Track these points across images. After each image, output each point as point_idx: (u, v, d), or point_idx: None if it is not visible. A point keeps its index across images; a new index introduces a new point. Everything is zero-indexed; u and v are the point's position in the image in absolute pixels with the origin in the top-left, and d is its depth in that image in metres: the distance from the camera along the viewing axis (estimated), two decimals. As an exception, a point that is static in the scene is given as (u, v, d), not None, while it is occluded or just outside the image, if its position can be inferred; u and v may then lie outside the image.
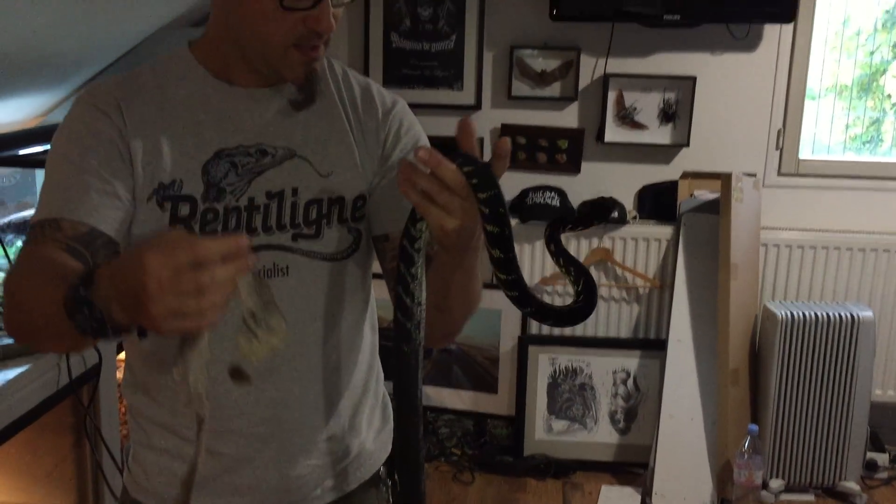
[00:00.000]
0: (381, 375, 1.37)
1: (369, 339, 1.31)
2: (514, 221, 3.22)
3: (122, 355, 2.29)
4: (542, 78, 3.17)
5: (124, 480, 1.32)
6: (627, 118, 3.15)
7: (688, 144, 3.12)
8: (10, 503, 1.96)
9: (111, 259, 1.05)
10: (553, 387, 3.21)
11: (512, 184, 3.26)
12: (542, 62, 3.17)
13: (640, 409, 3.19)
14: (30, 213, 2.27)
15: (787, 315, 2.91)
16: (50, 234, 1.03)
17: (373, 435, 1.31)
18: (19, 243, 2.12)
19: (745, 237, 2.97)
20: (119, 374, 2.27)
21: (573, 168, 3.24)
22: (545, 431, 3.22)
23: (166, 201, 1.11)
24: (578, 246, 3.20)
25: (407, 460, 1.06)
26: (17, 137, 2.05)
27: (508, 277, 0.97)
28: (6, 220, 2.17)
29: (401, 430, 1.07)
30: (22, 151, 2.01)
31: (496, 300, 3.22)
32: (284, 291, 1.14)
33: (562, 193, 3.20)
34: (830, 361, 2.93)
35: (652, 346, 3.18)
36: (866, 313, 2.92)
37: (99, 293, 0.82)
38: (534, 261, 3.25)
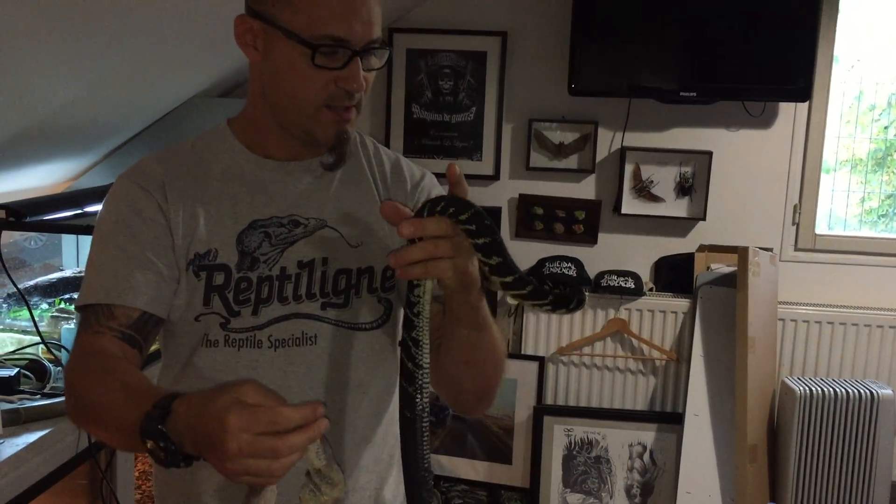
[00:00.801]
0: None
1: (392, 413, 1.31)
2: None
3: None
4: (560, 150, 3.23)
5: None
6: (644, 191, 3.18)
7: (704, 218, 3.15)
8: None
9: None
10: (568, 459, 3.18)
11: (529, 253, 3.29)
12: (559, 135, 3.22)
13: (656, 483, 3.14)
14: (55, 275, 2.31)
15: (805, 391, 2.89)
16: (105, 323, 1.09)
17: None
18: (45, 305, 2.15)
19: (763, 311, 2.97)
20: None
21: (590, 239, 3.26)
22: (560, 504, 3.17)
23: (202, 270, 1.14)
24: (595, 316, 3.21)
25: None
26: (46, 202, 2.10)
27: (512, 278, 0.97)
28: (33, 282, 2.21)
29: (408, 501, 1.06)
30: (50, 216, 2.06)
31: (511, 369, 3.22)
32: (311, 360, 1.16)
33: (578, 264, 3.22)
34: (850, 439, 2.90)
35: (669, 419, 3.15)
36: (886, 391, 2.90)
37: (175, 428, 0.87)
38: (549, 331, 3.25)
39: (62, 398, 1.81)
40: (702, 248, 3.20)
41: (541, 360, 3.23)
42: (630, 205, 3.19)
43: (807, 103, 3.07)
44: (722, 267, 3.12)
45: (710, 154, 3.12)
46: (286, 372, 1.16)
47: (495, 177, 3.26)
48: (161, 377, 1.25)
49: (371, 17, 1.09)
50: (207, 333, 1.16)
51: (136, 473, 2.28)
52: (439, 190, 1.27)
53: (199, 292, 1.15)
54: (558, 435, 3.19)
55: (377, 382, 1.23)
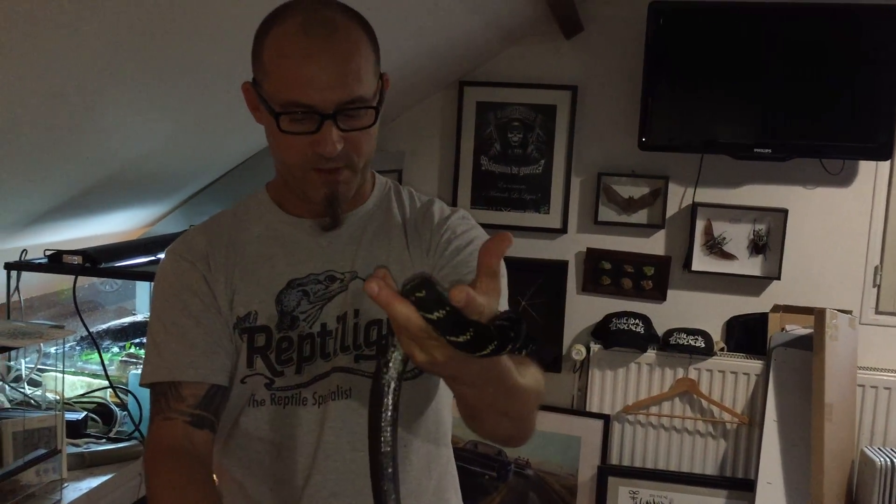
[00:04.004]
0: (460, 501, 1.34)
1: (444, 463, 1.29)
2: (596, 347, 3.17)
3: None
4: (630, 204, 3.19)
5: None
6: (716, 248, 3.11)
7: (779, 277, 3.05)
8: None
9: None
10: (633, 522, 3.08)
11: (595, 308, 3.24)
12: (629, 189, 3.19)
13: (725, 553, 3.01)
14: (127, 319, 2.37)
15: (886, 462, 2.74)
16: (175, 406, 1.12)
17: None
18: (115, 349, 2.20)
19: (841, 376, 2.84)
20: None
21: (659, 295, 3.19)
22: (623, 570, 3.06)
23: (244, 333, 1.16)
24: (663, 375, 3.13)
25: None
26: (121, 249, 2.16)
27: (462, 339, 0.74)
28: (105, 326, 2.26)
29: None
30: (124, 263, 2.12)
31: (576, 426, 3.16)
32: (346, 413, 1.16)
33: (646, 321, 3.15)
34: (936, 516, 2.73)
35: (739, 486, 3.03)
36: (975, 465, 2.73)
37: None
38: (615, 388, 3.18)
39: (127, 443, 1.84)
40: (776, 309, 3.10)
41: (606, 419, 3.15)
42: (701, 262, 3.12)
43: (888, 161, 2.97)
44: (797, 329, 3.01)
45: (785, 211, 3.04)
46: (323, 427, 1.15)
47: (563, 230, 3.23)
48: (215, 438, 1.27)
49: (341, 79, 1.03)
50: (254, 394, 1.17)
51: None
52: (470, 224, 1.24)
53: (243, 354, 1.16)
54: (623, 497, 3.09)
55: (420, 435, 1.21)
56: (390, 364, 0.83)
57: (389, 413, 0.84)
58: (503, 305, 1.16)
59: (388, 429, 0.85)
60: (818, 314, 2.82)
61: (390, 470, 0.85)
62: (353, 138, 1.08)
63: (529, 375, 0.96)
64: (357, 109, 1.06)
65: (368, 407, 0.85)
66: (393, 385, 0.84)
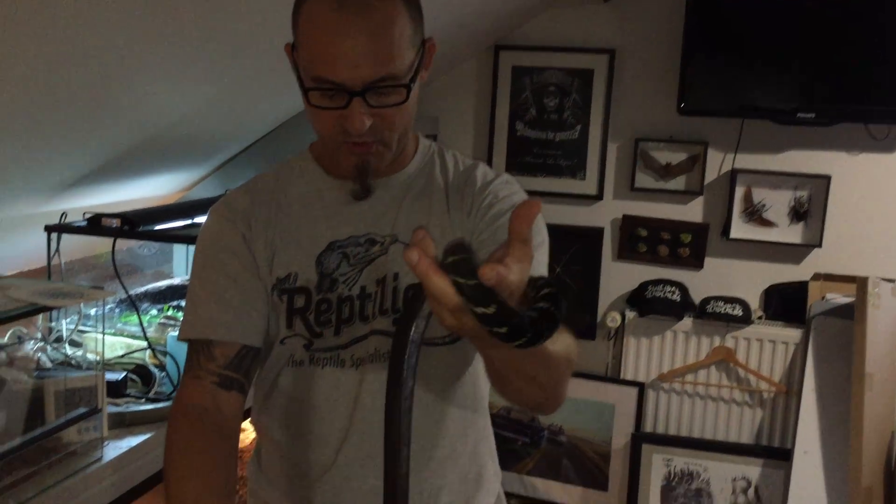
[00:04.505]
0: (499, 472, 1.34)
1: (480, 429, 1.29)
2: (631, 315, 3.15)
3: (244, 423, 2.34)
4: (667, 171, 3.14)
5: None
6: (755, 215, 3.06)
7: (820, 245, 3.00)
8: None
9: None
10: (667, 489, 3.07)
11: (631, 276, 3.21)
12: (667, 155, 3.13)
13: (760, 521, 3.00)
14: (165, 283, 2.39)
15: (928, 433, 2.70)
16: (204, 365, 1.13)
17: None
18: (154, 312, 2.22)
19: (883, 346, 2.79)
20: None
21: (696, 263, 3.15)
22: (656, 537, 3.06)
23: (283, 294, 1.16)
24: (699, 343, 3.10)
25: None
26: (159, 213, 2.18)
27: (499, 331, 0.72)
28: (143, 289, 2.29)
29: None
30: (162, 226, 2.13)
31: (610, 394, 3.15)
32: (384, 376, 1.15)
33: (683, 288, 3.12)
34: (978, 488, 2.69)
35: (776, 454, 3.00)
36: None
37: None
38: (650, 356, 3.16)
39: (165, 403, 1.87)
40: (817, 277, 3.05)
41: (640, 386, 3.14)
42: (740, 229, 3.07)
43: (937, 126, 2.89)
44: (838, 297, 2.95)
45: (828, 178, 2.97)
46: (361, 389, 1.16)
47: (598, 197, 3.20)
48: (254, 397, 1.28)
49: (371, 56, 1.01)
50: (293, 354, 1.18)
51: (234, 479, 2.32)
52: (513, 189, 1.22)
53: (282, 316, 1.17)
54: (657, 464, 3.08)
55: (456, 401, 1.21)
56: (415, 324, 0.81)
57: (409, 374, 0.83)
58: (543, 270, 1.15)
59: (408, 384, 0.84)
60: (860, 282, 2.77)
61: (406, 431, 0.85)
62: (384, 114, 1.06)
63: (561, 342, 0.94)
64: (386, 87, 1.04)
65: (388, 365, 0.84)
66: (415, 345, 0.82)
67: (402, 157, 1.20)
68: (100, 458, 1.62)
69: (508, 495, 3.18)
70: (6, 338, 1.83)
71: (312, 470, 1.19)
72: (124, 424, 1.76)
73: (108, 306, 2.20)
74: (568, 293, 3.23)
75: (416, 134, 1.26)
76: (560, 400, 1.02)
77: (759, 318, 3.09)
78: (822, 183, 2.98)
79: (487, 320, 0.71)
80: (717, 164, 3.11)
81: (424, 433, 1.18)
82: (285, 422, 1.22)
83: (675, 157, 3.12)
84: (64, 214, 2.06)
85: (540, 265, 1.14)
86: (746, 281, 3.14)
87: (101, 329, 1.95)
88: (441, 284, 0.71)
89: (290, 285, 1.17)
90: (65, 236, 2.05)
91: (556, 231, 1.22)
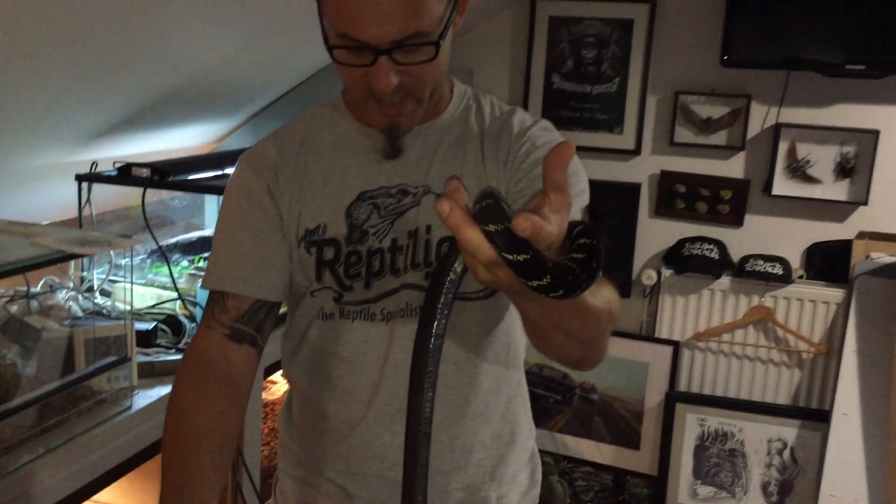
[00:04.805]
0: (533, 430, 1.32)
1: (514, 385, 1.26)
2: (667, 272, 3.09)
3: (276, 376, 2.35)
4: (708, 125, 3.05)
5: (269, 505, 1.34)
6: (799, 171, 2.96)
7: (866, 202, 2.89)
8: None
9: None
10: (700, 449, 3.03)
11: (668, 233, 3.14)
12: (708, 109, 3.04)
13: (796, 483, 2.95)
14: (195, 234, 2.39)
15: (973, 397, 2.62)
16: (217, 315, 1.12)
17: (517, 495, 1.25)
18: (185, 263, 2.22)
19: (928, 307, 2.71)
20: (264, 395, 2.33)
21: (736, 220, 3.07)
22: (689, 496, 3.04)
23: (312, 246, 1.13)
24: (737, 302, 3.03)
25: None
26: (189, 163, 2.16)
27: (537, 283, 0.69)
28: (174, 240, 2.29)
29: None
30: (193, 177, 2.12)
31: (644, 352, 3.10)
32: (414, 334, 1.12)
33: (721, 246, 3.05)
34: None
35: (813, 416, 2.94)
36: None
37: None
38: (686, 315, 3.10)
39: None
40: (862, 235, 2.95)
41: (675, 345, 3.09)
42: (782, 185, 2.98)
43: None
44: (884, 256, 2.86)
45: (876, 133, 2.86)
46: (391, 343, 1.13)
47: (636, 151, 3.12)
48: (283, 346, 1.26)
49: (397, 13, 0.95)
50: (323, 307, 1.16)
51: (266, 430, 2.34)
52: (547, 139, 1.15)
53: (311, 268, 1.14)
54: (691, 424, 3.04)
55: (489, 356, 1.18)
56: (450, 275, 0.76)
57: (439, 331, 0.77)
58: (584, 203, 1.11)
59: (437, 343, 0.78)
60: (907, 241, 2.68)
61: (430, 394, 0.81)
62: (413, 71, 1.01)
63: (602, 296, 0.89)
64: (415, 46, 0.99)
65: (418, 320, 0.79)
66: (448, 297, 0.76)
67: (437, 104, 1.16)
68: (129, 407, 1.63)
69: (539, 452, 3.16)
70: (38, 286, 1.84)
71: (342, 424, 1.17)
72: (154, 374, 1.76)
73: (140, 257, 2.20)
74: (606, 239, 3.17)
75: (452, 79, 1.21)
76: (600, 355, 0.98)
77: (800, 277, 3.01)
78: (870, 138, 2.87)
79: (521, 270, 0.67)
80: (760, 118, 3.01)
81: (457, 390, 1.15)
82: (315, 375, 1.20)
83: (717, 110, 3.03)
84: (94, 164, 2.05)
85: (580, 214, 1.10)
86: (788, 239, 3.05)
87: (130, 279, 1.95)
88: (474, 237, 0.67)
89: (320, 237, 1.14)
90: (96, 187, 2.04)
91: (592, 187, 1.17)
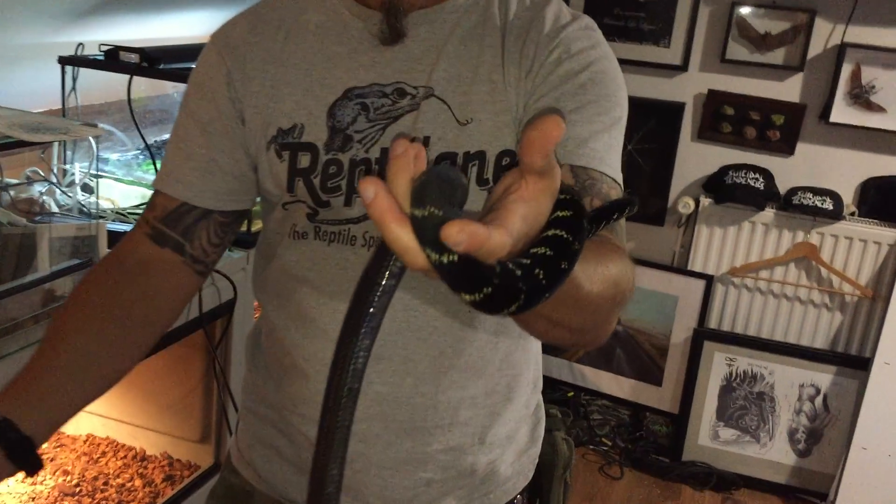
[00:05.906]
0: (539, 381, 1.13)
1: (517, 337, 1.05)
2: (706, 201, 2.87)
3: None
4: (765, 41, 2.77)
5: (229, 445, 1.18)
6: (862, 97, 2.69)
7: (933, 135, 2.63)
8: (134, 426, 1.92)
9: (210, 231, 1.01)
10: (726, 390, 2.86)
11: (710, 159, 2.91)
12: (766, 23, 2.76)
13: (826, 431, 2.78)
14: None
15: None
16: (146, 213, 1.00)
17: (512, 456, 1.07)
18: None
19: None
20: (256, 315, 2.18)
21: (786, 148, 2.82)
22: (710, 438, 2.89)
23: (284, 150, 0.94)
24: (780, 237, 2.81)
25: None
26: (182, 51, 1.96)
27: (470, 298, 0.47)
28: (167, 136, 2.11)
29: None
30: (186, 65, 1.93)
31: (674, 285, 2.91)
32: None
33: (768, 176, 2.81)
34: None
35: (852, 363, 2.75)
36: None
37: None
38: (723, 248, 2.89)
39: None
40: (924, 171, 2.70)
41: (708, 280, 2.88)
42: (842, 112, 2.71)
43: None
44: (947, 196, 2.61)
45: (953, 58, 2.57)
46: None
47: (683, 67, 2.86)
48: (255, 261, 1.08)
49: None
50: (295, 224, 0.97)
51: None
52: (584, 44, 0.92)
53: (282, 175, 0.95)
54: (718, 363, 2.87)
55: None
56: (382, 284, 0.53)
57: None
58: (614, 155, 0.90)
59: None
60: (977, 181, 2.42)
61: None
62: None
63: (602, 278, 0.65)
64: None
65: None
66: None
67: None
68: (97, 316, 1.48)
69: (555, 382, 3.03)
70: (19, 178, 1.69)
71: (306, 363, 0.99)
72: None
73: (132, 153, 2.04)
74: (636, 175, 2.95)
75: None
76: (602, 338, 0.76)
77: (852, 214, 2.78)
78: (945, 64, 2.59)
79: (448, 276, 0.45)
80: (823, 36, 2.72)
81: (446, 335, 0.95)
82: (284, 303, 1.01)
83: (776, 25, 2.75)
84: (80, 46, 1.87)
85: (610, 149, 0.88)
86: (841, 172, 2.80)
87: (115, 175, 1.79)
88: (401, 236, 0.46)
89: (294, 139, 0.94)
90: (83, 74, 1.87)
91: (631, 104, 0.95)
